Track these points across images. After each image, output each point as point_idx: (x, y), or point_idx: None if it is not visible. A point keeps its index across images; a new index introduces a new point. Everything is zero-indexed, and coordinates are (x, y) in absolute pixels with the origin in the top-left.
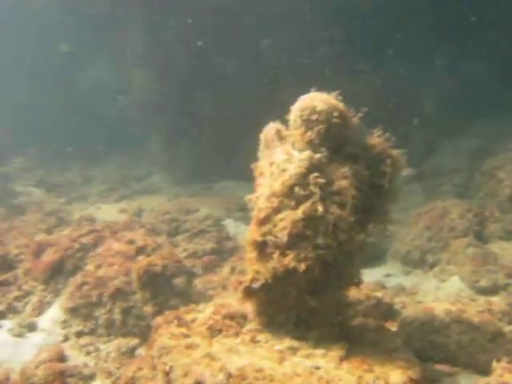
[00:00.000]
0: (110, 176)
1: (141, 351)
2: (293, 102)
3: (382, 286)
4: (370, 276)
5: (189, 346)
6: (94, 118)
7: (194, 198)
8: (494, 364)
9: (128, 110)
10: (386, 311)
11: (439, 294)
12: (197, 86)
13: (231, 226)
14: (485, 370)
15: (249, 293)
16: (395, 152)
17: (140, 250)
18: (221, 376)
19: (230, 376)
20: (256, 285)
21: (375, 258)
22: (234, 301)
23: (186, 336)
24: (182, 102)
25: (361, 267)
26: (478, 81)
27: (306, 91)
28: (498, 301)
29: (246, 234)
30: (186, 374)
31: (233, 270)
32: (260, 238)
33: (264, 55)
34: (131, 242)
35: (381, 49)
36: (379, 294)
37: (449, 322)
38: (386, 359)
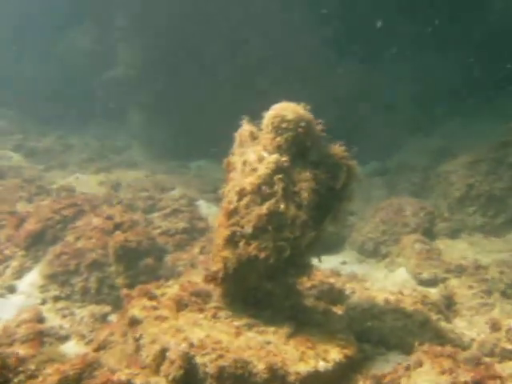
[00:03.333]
0: (88, 146)
1: (112, 318)
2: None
3: (337, 273)
4: (328, 262)
5: (157, 318)
6: (76, 87)
7: (170, 175)
8: (416, 345)
9: (111, 82)
10: (337, 296)
11: (387, 282)
12: (181, 65)
13: (203, 206)
14: (411, 351)
15: (223, 280)
16: (352, 162)
17: (117, 226)
18: (184, 345)
19: (191, 345)
20: (229, 272)
21: (335, 245)
22: (200, 279)
23: (155, 308)
24: (166, 78)
25: (312, 259)
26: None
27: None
28: (434, 292)
29: (215, 222)
30: (153, 342)
31: (202, 249)
32: (228, 228)
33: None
34: (109, 217)
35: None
36: (332, 280)
37: (386, 309)
38: (328, 339)
